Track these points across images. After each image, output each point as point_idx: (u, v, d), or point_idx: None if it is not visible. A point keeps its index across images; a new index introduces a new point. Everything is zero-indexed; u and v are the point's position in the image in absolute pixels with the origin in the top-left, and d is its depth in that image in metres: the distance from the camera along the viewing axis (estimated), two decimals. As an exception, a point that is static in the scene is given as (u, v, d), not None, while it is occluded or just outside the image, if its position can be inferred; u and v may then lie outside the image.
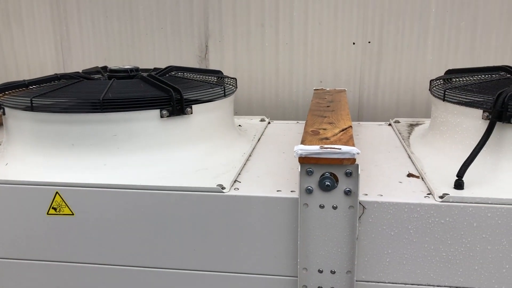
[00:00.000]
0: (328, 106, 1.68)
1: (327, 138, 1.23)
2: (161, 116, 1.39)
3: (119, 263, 1.34)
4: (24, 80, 1.53)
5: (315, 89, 2.11)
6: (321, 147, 1.13)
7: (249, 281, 1.30)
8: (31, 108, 1.35)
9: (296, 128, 1.98)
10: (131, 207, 1.28)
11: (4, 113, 1.44)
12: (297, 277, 1.24)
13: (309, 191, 1.16)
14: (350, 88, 2.28)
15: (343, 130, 1.31)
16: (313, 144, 1.16)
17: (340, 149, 1.12)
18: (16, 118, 1.42)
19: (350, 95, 2.29)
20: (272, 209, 1.22)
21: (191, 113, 1.44)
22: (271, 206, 1.22)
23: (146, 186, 1.27)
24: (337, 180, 1.15)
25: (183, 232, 1.28)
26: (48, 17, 2.35)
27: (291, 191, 1.24)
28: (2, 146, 1.53)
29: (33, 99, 1.35)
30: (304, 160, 1.15)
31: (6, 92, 1.47)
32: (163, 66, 1.94)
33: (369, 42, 2.21)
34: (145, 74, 1.63)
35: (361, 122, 2.03)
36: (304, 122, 2.07)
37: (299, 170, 1.16)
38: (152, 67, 2.00)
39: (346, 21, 2.20)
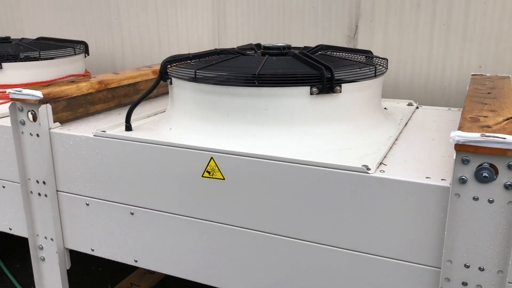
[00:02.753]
0: (489, 93, 1.54)
1: (488, 126, 1.14)
2: (311, 93, 1.42)
3: (259, 228, 1.42)
4: (188, 54, 1.68)
5: (472, 74, 1.96)
6: (482, 135, 1.06)
7: (388, 265, 1.28)
8: (195, 79, 1.48)
9: (447, 115, 1.86)
10: (275, 178, 1.34)
11: (171, 83, 1.60)
12: (440, 268, 1.19)
13: (462, 181, 1.10)
14: (515, 75, 2.06)
15: (508, 119, 1.20)
16: (472, 131, 1.09)
17: (505, 138, 1.03)
18: (181, 88, 1.57)
19: (514, 83, 2.07)
20: (419, 196, 1.18)
21: (340, 91, 1.45)
22: (419, 193, 1.18)
23: (291, 159, 1.32)
24: (496, 172, 1.07)
25: (323, 208, 1.31)
26: (208, -4, 2.52)
27: (442, 179, 1.18)
28: (167, 112, 1.71)
29: (197, 71, 1.47)
30: (461, 148, 1.08)
31: (173, 64, 1.63)
32: (311, 45, 1.96)
33: (543, 24, 1.96)
34: (296, 52, 1.67)
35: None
36: (456, 109, 1.94)
37: (454, 157, 1.10)
38: (300, 45, 2.04)
39: (517, 0, 1.98)
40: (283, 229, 1.38)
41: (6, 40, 2.31)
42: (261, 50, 1.78)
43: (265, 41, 2.46)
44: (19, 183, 1.76)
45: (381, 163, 1.30)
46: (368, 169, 1.23)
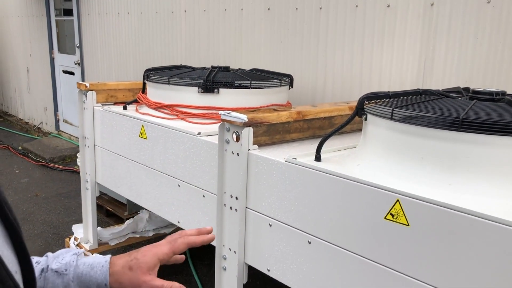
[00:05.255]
0: None
1: None
2: (525, 146, 1.25)
3: (440, 287, 1.29)
4: (388, 92, 1.65)
5: None
6: None
7: None
8: (391, 117, 1.44)
9: None
10: (470, 234, 1.20)
11: (366, 119, 1.60)
12: None
13: None
14: None
15: None
16: None
17: None
18: (375, 125, 1.54)
19: None
20: None
21: None
22: None
23: (493, 217, 1.17)
24: None
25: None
26: (417, 38, 2.45)
27: None
28: (358, 148, 1.70)
29: (394, 109, 1.43)
30: None
31: (371, 101, 1.62)
32: (534, 93, 1.73)
33: None
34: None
35: None
36: None
37: None
38: (519, 94, 1.81)
39: None
40: (470, 293, 1.22)
41: (226, 69, 2.63)
42: (469, 94, 1.64)
43: (476, 86, 2.26)
44: (216, 195, 1.96)
45: None
46: None
